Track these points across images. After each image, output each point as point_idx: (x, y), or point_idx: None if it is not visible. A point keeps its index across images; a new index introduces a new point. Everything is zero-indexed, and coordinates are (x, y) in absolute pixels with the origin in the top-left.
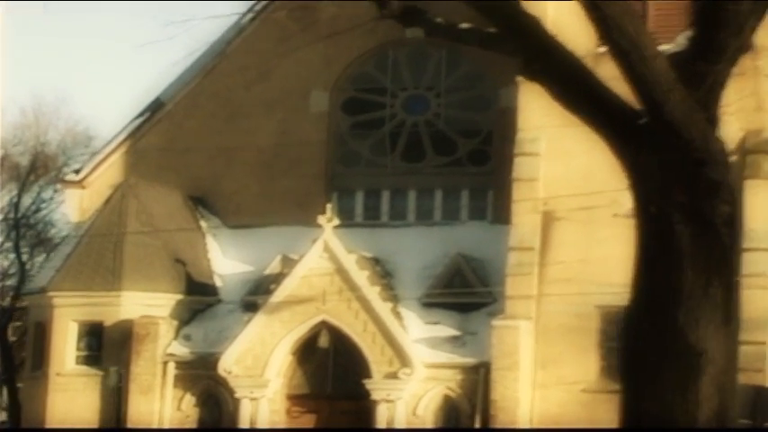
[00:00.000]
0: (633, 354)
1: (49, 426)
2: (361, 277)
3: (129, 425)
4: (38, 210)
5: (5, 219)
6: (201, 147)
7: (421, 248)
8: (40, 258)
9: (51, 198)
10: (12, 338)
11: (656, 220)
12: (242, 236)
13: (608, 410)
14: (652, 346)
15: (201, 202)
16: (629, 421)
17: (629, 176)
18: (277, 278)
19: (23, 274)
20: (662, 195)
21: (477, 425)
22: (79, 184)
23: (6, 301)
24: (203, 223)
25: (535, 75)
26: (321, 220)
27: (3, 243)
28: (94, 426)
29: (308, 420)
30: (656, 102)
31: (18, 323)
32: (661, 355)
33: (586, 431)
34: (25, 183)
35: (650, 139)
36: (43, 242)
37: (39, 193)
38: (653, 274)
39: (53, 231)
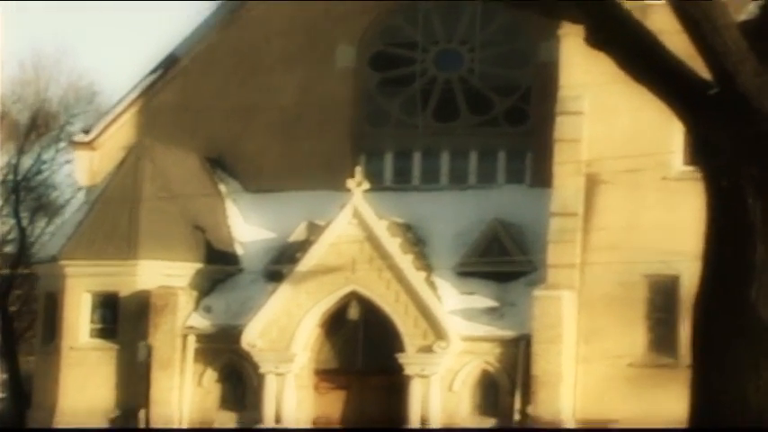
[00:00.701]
0: (703, 331)
1: (62, 403)
2: (393, 245)
3: (149, 402)
4: (39, 171)
5: (4, 181)
6: (219, 105)
7: (455, 214)
8: (41, 224)
9: (53, 159)
10: (12, 308)
11: (727, 194)
12: (264, 201)
13: (655, 386)
14: (723, 322)
15: (220, 164)
16: (700, 400)
17: (699, 149)
18: (302, 246)
19: (24, 240)
20: (732, 168)
21: (518, 401)
22: (89, 145)
23: (6, 270)
24: (222, 187)
25: (601, 43)
26: (350, 183)
27: (2, 207)
28: (111, 403)
29: (337, 397)
30: (727, 72)
31: (18, 291)
32: (732, 332)
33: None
34: (25, 142)
35: (721, 111)
36: (44, 206)
37: (39, 154)
38: (724, 249)
39: (55, 195)
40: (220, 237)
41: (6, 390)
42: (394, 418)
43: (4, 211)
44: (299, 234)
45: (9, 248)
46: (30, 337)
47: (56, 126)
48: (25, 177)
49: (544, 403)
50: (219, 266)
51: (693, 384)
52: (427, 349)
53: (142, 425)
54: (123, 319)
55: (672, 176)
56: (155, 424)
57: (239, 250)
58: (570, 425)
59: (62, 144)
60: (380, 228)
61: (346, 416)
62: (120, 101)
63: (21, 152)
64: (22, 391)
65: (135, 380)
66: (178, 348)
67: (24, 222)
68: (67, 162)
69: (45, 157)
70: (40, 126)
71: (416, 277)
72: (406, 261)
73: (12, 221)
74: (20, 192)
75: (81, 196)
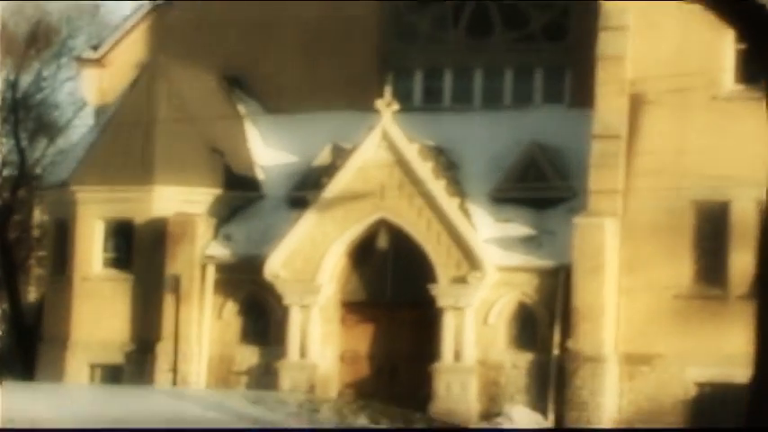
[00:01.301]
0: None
1: (74, 336)
2: (425, 169)
3: (165, 336)
4: (39, 89)
5: (2, 100)
6: (237, 20)
7: (489, 136)
8: (41, 145)
9: (54, 76)
10: (11, 235)
11: None
12: (285, 122)
13: (703, 319)
14: None
15: (238, 83)
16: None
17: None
18: (328, 170)
19: (23, 162)
20: None
21: (557, 335)
22: (97, 62)
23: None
24: (241, 108)
25: None
26: (379, 104)
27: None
28: (126, 337)
29: (365, 331)
30: None
31: (18, 217)
32: None
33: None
34: (24, 58)
35: None
36: (45, 127)
37: (39, 71)
38: None
39: (56, 114)
40: (240, 161)
41: (6, 322)
42: (425, 353)
43: (3, 132)
44: (323, 158)
45: (7, 171)
46: (29, 267)
47: (57, 41)
48: (24, 96)
49: (585, 337)
50: (239, 192)
51: (759, 319)
52: (461, 280)
53: (160, 359)
54: (138, 249)
55: (722, 96)
56: (171, 359)
57: (260, 175)
58: (612, 359)
59: (64, 60)
60: (411, 151)
61: (374, 351)
62: (130, 15)
63: (19, 69)
64: (23, 324)
65: (152, 312)
66: (197, 279)
67: (24, 143)
68: (69, 80)
69: (45, 74)
70: (39, 41)
71: (449, 204)
72: (438, 186)
73: (11, 142)
74: (19, 111)
75: (85, 116)
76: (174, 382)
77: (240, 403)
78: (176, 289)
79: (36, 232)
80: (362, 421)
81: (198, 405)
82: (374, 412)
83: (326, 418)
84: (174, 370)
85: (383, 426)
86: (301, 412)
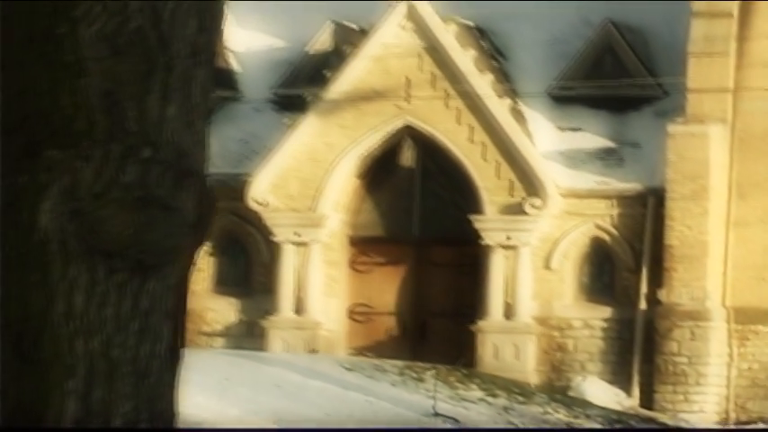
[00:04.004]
0: None
1: None
2: (465, 59)
3: None
4: None
5: None
6: None
7: (549, 13)
8: None
9: None
10: None
11: None
12: None
13: None
14: None
15: None
16: None
17: None
18: (329, 59)
19: None
20: None
21: (644, 283)
22: None
23: None
24: None
25: None
26: None
27: None
28: None
29: (383, 277)
30: None
31: None
32: None
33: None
34: None
35: None
36: None
37: None
38: None
39: None
40: None
41: None
42: (465, 308)
43: None
44: (322, 42)
45: None
46: None
47: None
48: None
49: (682, 286)
50: None
51: None
52: (515, 209)
53: None
54: None
55: None
56: None
57: (235, 66)
58: (719, 316)
59: None
60: (446, 35)
61: (395, 304)
62: None
63: None
64: None
65: None
66: None
67: None
68: None
69: None
70: None
71: (498, 106)
72: (482, 83)
73: None
74: None
75: None
76: None
77: (336, 370)
78: None
79: None
80: (477, 393)
81: (291, 371)
82: (485, 382)
83: (433, 387)
84: None
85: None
86: (405, 381)
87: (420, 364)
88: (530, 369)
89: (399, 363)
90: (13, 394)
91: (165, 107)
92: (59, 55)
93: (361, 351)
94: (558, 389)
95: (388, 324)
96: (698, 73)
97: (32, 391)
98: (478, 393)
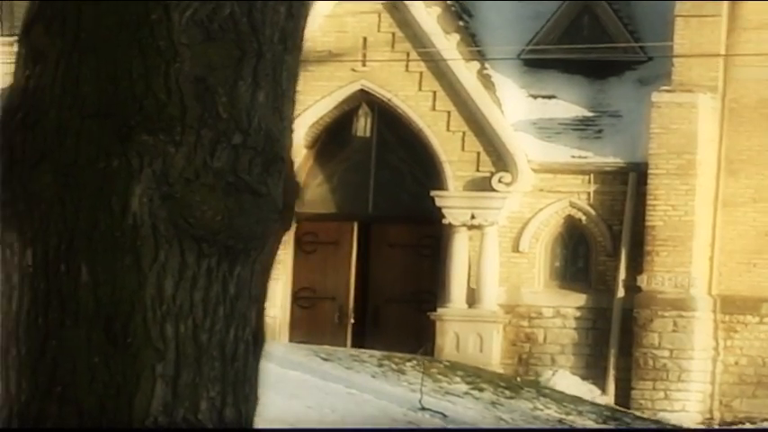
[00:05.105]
0: None
1: None
2: (428, 18)
3: None
4: None
5: None
6: None
7: None
8: None
9: None
10: None
11: None
12: None
13: None
14: None
15: None
16: None
17: None
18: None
19: None
20: None
21: (623, 268)
22: None
23: None
24: None
25: None
26: None
27: None
28: None
29: (333, 257)
30: None
31: None
32: None
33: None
34: None
35: None
36: None
37: None
38: None
39: None
40: None
41: None
42: (423, 294)
43: None
44: None
45: None
46: None
47: None
48: None
49: (665, 271)
50: None
51: None
52: (481, 185)
53: None
54: None
55: None
56: None
57: None
58: (704, 305)
59: None
60: None
61: (345, 289)
62: None
63: None
64: None
65: None
66: None
67: None
68: None
69: None
70: None
71: (464, 70)
72: (448, 44)
73: None
74: None
75: None
76: None
77: (312, 360)
78: None
79: None
80: (461, 386)
81: (266, 360)
82: (468, 375)
83: (416, 379)
84: None
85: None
86: (386, 373)
87: (398, 354)
88: (494, 362)
89: (377, 353)
90: (103, 378)
91: (256, 94)
92: (153, 40)
93: (305, 340)
94: (526, 383)
95: (339, 310)
96: (685, 36)
97: (122, 375)
98: (463, 387)
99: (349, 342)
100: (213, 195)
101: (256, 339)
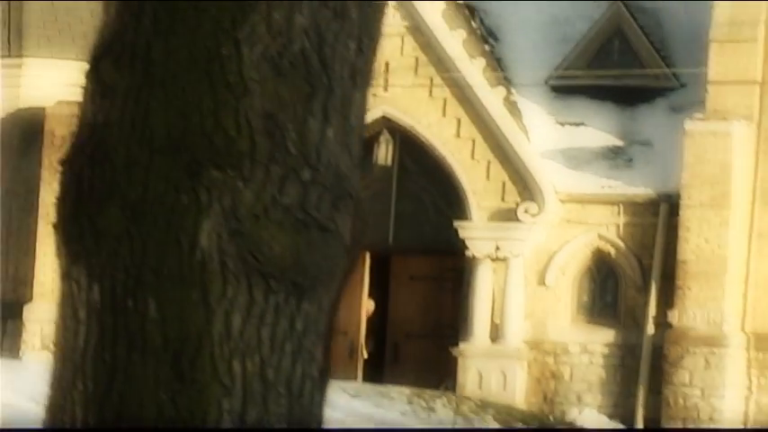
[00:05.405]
0: None
1: None
2: (453, 42)
3: (38, 293)
4: None
5: None
6: None
7: None
8: None
9: None
10: None
11: None
12: None
13: None
14: None
15: None
16: None
17: None
18: None
19: None
20: None
21: (653, 303)
22: None
23: None
24: None
25: None
26: None
27: None
28: None
29: (352, 290)
30: None
31: None
32: None
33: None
34: None
35: None
36: None
37: None
38: None
39: None
40: None
41: None
42: (445, 328)
43: None
44: None
45: None
46: None
47: None
48: None
49: (697, 306)
50: None
51: None
52: (506, 216)
53: (28, 328)
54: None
55: None
56: (48, 329)
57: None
58: (737, 342)
59: None
60: (432, 13)
61: (356, 323)
62: None
63: None
64: None
65: (18, 256)
66: None
67: None
68: None
69: None
70: None
71: (489, 96)
72: (473, 69)
73: None
74: None
75: None
76: None
77: (341, 396)
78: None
79: None
80: (494, 425)
81: None
82: (499, 413)
83: (446, 417)
84: (47, 346)
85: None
86: (416, 411)
87: (428, 391)
88: (518, 399)
89: (406, 389)
90: (170, 414)
91: (325, 130)
92: (223, 76)
93: None
94: (559, 422)
95: (356, 344)
96: (720, 62)
97: (189, 411)
98: (495, 425)
99: (359, 378)
100: (282, 231)
101: (322, 376)
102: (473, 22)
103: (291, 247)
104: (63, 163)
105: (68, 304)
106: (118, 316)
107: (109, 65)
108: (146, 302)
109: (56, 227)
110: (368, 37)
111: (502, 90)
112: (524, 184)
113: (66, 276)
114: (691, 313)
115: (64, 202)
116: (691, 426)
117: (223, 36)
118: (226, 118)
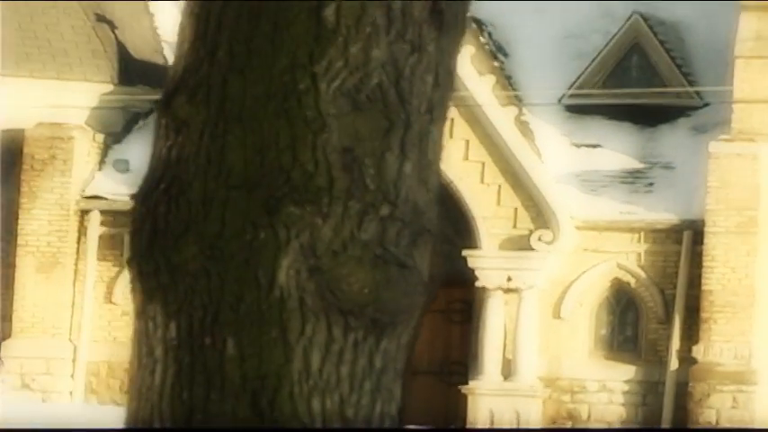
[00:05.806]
0: None
1: None
2: (460, 58)
3: (16, 329)
4: None
5: None
6: None
7: (560, 2)
8: None
9: None
10: None
11: None
12: None
13: None
14: None
15: None
16: None
17: None
18: None
19: None
20: None
21: (676, 337)
22: None
23: None
24: None
25: None
26: None
27: None
28: None
29: None
30: None
31: None
32: None
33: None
34: None
35: None
36: None
37: None
38: None
39: None
40: (142, 39)
41: None
42: (453, 365)
43: None
44: None
45: None
46: None
47: None
48: None
49: (723, 341)
50: (142, 90)
51: None
52: (519, 244)
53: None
54: None
55: None
56: (23, 366)
57: (173, 60)
58: (766, 380)
59: None
60: None
61: None
62: None
63: None
64: None
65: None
66: (71, 233)
67: None
68: None
69: None
70: None
71: (500, 115)
72: (481, 87)
73: None
74: None
75: None
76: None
77: None
78: (35, 251)
79: None
80: None
81: None
82: None
83: None
84: (28, 384)
85: None
86: None
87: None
88: None
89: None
90: None
91: (403, 165)
92: (300, 110)
93: None
94: None
95: None
96: (746, 79)
97: None
98: None
99: None
100: (361, 268)
101: (401, 413)
102: (481, 37)
103: (370, 284)
104: (135, 198)
105: (144, 342)
106: (195, 354)
107: (183, 100)
108: (224, 340)
109: (129, 262)
110: (444, 70)
111: (513, 109)
112: (538, 210)
113: (142, 314)
114: (717, 348)
115: (138, 237)
116: None
117: (300, 71)
118: (303, 153)
